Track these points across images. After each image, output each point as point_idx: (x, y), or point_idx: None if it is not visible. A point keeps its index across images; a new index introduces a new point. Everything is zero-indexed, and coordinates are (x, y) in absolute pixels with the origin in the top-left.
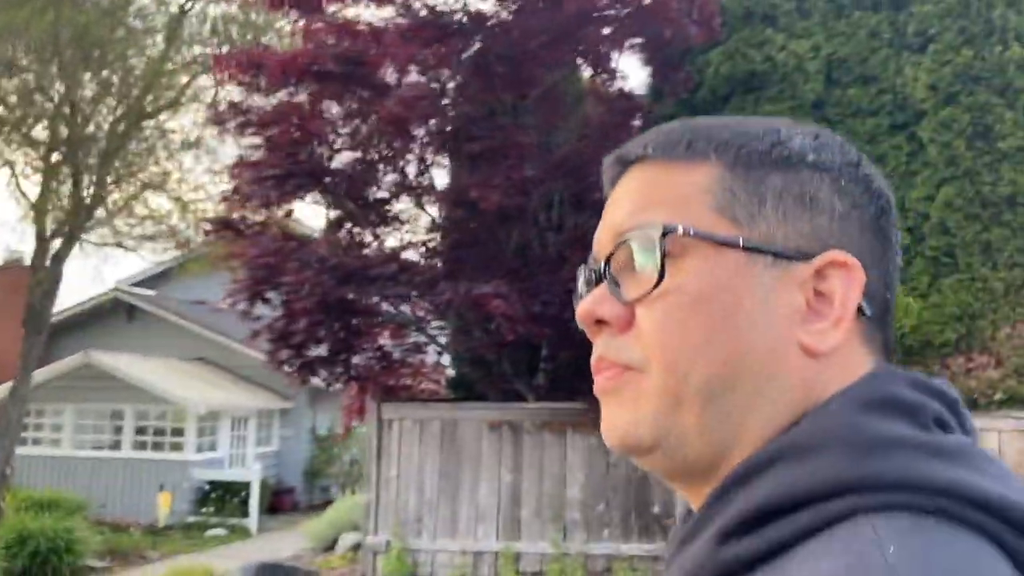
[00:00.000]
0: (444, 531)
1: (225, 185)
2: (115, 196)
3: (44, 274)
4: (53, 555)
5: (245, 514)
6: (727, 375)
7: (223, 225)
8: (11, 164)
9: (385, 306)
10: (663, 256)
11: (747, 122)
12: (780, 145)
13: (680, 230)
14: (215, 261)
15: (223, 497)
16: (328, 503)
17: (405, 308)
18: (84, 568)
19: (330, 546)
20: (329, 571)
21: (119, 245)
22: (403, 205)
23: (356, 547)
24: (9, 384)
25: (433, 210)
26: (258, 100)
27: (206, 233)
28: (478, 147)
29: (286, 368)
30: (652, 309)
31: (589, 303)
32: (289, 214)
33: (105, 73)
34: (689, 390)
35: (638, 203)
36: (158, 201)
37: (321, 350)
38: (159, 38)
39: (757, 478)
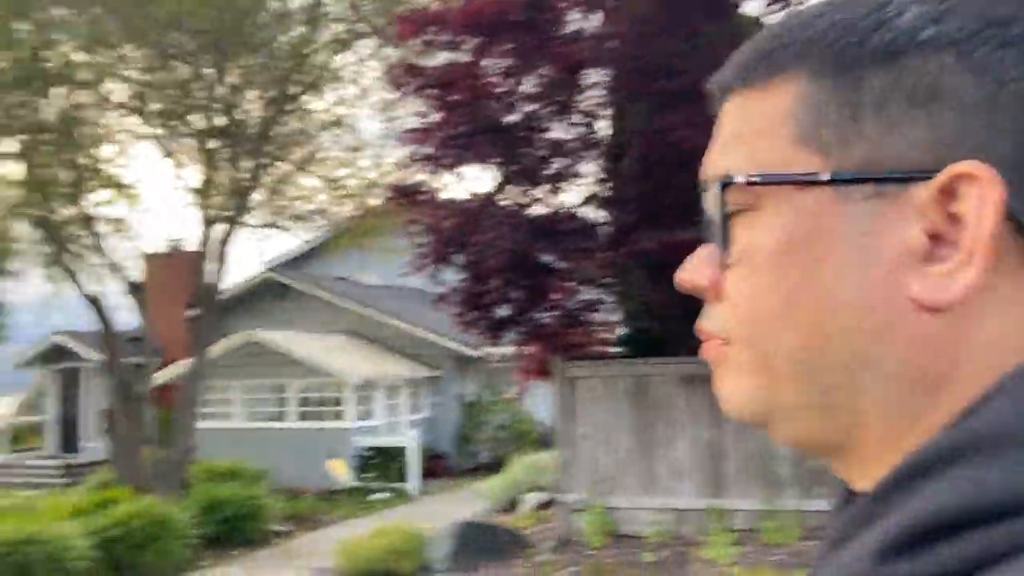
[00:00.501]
0: (641, 489)
1: (385, 157)
2: (269, 178)
3: (210, 257)
4: (241, 520)
5: (404, 479)
6: (817, 345)
7: (402, 192)
8: (173, 153)
9: (567, 263)
10: (727, 214)
11: (852, 3)
12: (883, 27)
13: (741, 178)
14: (371, 232)
15: (383, 463)
16: (479, 468)
17: (585, 263)
18: (269, 532)
19: (510, 507)
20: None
21: (274, 226)
22: (574, 159)
23: (541, 506)
24: (187, 363)
25: (602, 161)
26: (435, 60)
27: (387, 200)
28: (676, 84)
29: (475, 329)
30: (731, 275)
31: (684, 269)
32: (462, 177)
33: (255, 58)
34: (778, 365)
35: (716, 149)
36: (308, 181)
37: (506, 310)
38: (301, 19)
39: (926, 481)
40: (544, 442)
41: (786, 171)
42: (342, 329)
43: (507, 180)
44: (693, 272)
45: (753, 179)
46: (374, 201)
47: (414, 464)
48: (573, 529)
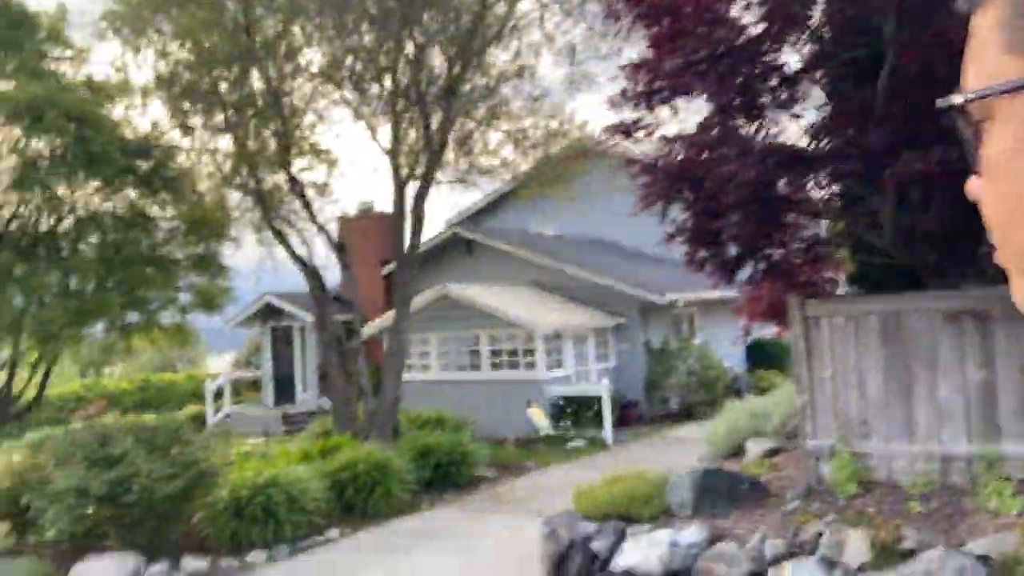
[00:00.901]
0: (898, 434)
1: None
2: (457, 134)
3: (405, 216)
4: (452, 466)
5: (598, 427)
6: None
7: (617, 130)
8: (366, 117)
9: (807, 194)
10: (971, 129)
11: None
12: None
13: (963, 97)
14: (555, 181)
15: (577, 411)
16: (669, 415)
17: (827, 193)
18: (476, 477)
19: (733, 453)
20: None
21: (462, 181)
22: (806, 83)
23: (769, 453)
24: (389, 317)
25: (841, 84)
26: None
27: (601, 141)
28: None
29: (707, 268)
30: (982, 185)
31: (971, 180)
32: (681, 110)
33: (439, 15)
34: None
35: (964, 66)
36: (494, 134)
37: (740, 247)
38: None
39: None
40: (736, 389)
41: (1000, 80)
42: (526, 281)
43: (735, 109)
44: (971, 184)
45: (970, 96)
46: (558, 149)
47: (608, 412)
48: (818, 477)
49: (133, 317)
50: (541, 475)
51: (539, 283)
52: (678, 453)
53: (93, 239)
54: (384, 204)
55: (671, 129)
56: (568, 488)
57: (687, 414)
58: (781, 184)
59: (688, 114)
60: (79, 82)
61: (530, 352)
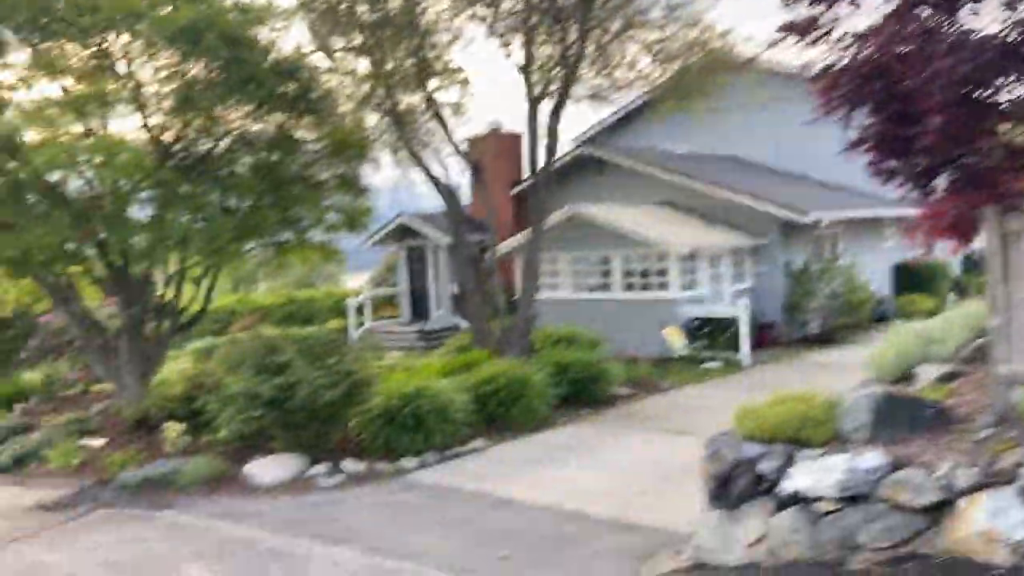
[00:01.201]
0: None
1: None
2: (592, 47)
3: (539, 134)
4: (588, 383)
5: (733, 348)
6: None
7: (792, 29)
8: (498, 32)
9: (1015, 96)
10: None
11: None
12: None
13: None
14: (692, 94)
15: (712, 332)
16: (807, 338)
17: None
18: (612, 395)
19: (900, 378)
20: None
21: (595, 97)
22: None
23: (945, 379)
24: (524, 236)
25: None
26: None
27: (738, 51)
28: None
29: (896, 178)
30: None
31: None
32: (858, 4)
33: None
34: None
35: None
36: (630, 47)
37: (931, 155)
38: None
39: None
40: (882, 314)
41: None
42: (659, 200)
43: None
44: None
45: None
46: (696, 60)
47: (745, 333)
48: (1009, 404)
49: (286, 235)
50: (676, 394)
51: (672, 203)
52: (823, 377)
53: (247, 160)
54: (512, 124)
55: (856, 24)
56: (705, 408)
57: (827, 338)
58: (990, 84)
59: (868, 11)
60: (228, 6)
61: (663, 272)
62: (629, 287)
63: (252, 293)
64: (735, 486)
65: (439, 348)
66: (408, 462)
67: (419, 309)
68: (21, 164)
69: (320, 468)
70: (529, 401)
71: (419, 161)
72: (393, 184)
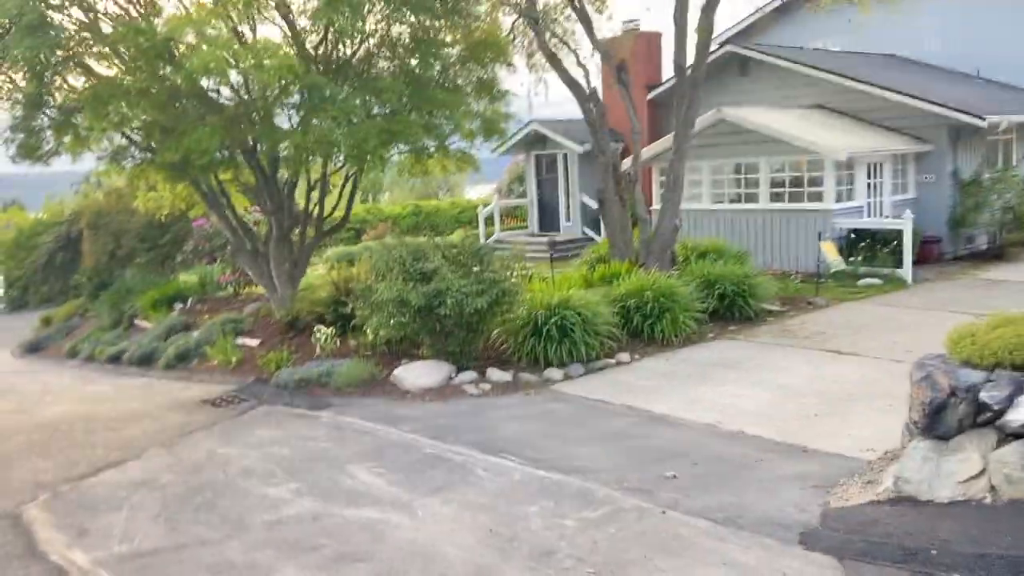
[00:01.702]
0: None
1: None
2: None
3: (696, 29)
4: (739, 298)
5: (895, 264)
6: None
7: None
8: None
9: None
10: None
11: None
12: None
13: None
14: None
15: (872, 246)
16: (976, 255)
17: None
18: (764, 311)
19: None
20: None
21: None
22: None
23: None
24: (660, 145)
25: None
26: None
27: None
28: None
29: None
30: None
31: None
32: None
33: None
34: None
35: None
36: None
37: None
38: None
39: None
40: None
41: None
42: (809, 103)
43: None
44: None
45: None
46: None
47: (909, 248)
48: None
49: (427, 141)
50: (834, 312)
51: (824, 105)
52: (1000, 298)
53: (387, 65)
54: (649, 23)
55: None
56: (867, 327)
57: (997, 255)
58: None
59: None
60: None
61: (817, 181)
62: (779, 197)
63: (379, 203)
64: (951, 415)
65: (570, 259)
66: (554, 373)
67: (548, 220)
68: (176, 69)
69: (466, 376)
70: (676, 315)
71: (556, 63)
72: (526, 91)
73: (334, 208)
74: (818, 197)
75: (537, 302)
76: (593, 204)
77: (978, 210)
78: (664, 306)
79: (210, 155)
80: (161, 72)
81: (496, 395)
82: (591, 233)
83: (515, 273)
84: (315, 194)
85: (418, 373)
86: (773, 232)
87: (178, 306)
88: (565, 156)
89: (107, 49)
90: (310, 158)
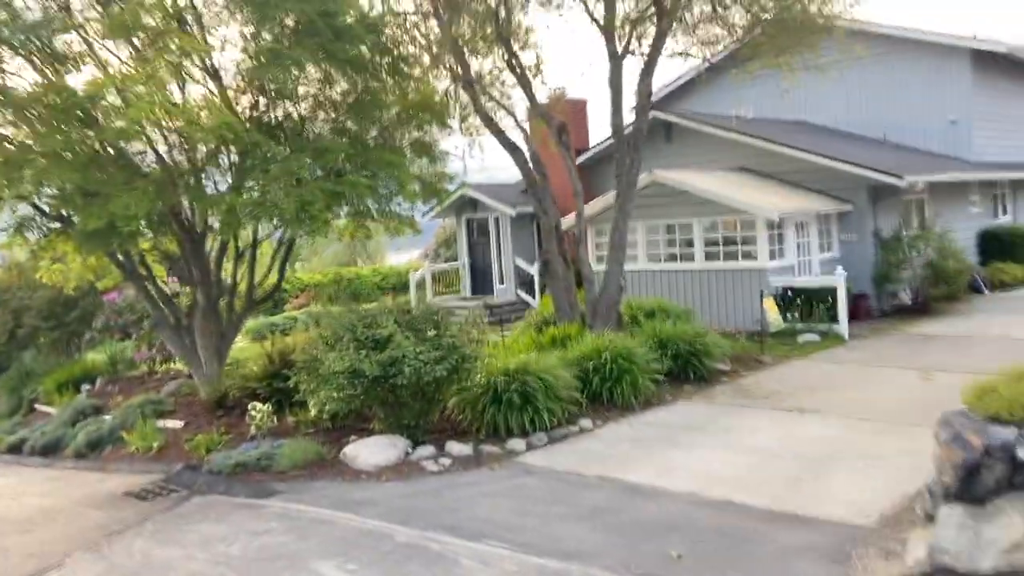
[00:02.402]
0: None
1: None
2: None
3: (635, 92)
4: (693, 357)
5: (828, 321)
6: None
7: None
8: None
9: None
10: None
11: None
12: None
13: None
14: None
15: (808, 304)
16: (902, 310)
17: None
18: (716, 370)
19: None
20: None
21: (684, 55)
22: None
23: None
24: (604, 204)
25: None
26: None
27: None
28: None
29: None
30: None
31: None
32: None
33: None
34: None
35: None
36: None
37: None
38: None
39: None
40: (971, 282)
41: None
42: (731, 167)
43: None
44: None
45: None
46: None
47: (844, 305)
48: None
49: (371, 203)
50: (784, 369)
51: (748, 168)
52: (939, 353)
53: (324, 126)
54: (576, 90)
55: None
56: (823, 385)
57: (921, 310)
58: None
59: None
60: None
61: (750, 240)
62: (712, 257)
63: (295, 271)
64: (987, 476)
65: (513, 322)
66: (516, 443)
67: (480, 283)
68: (100, 132)
69: (424, 451)
70: (635, 377)
71: (493, 126)
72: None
73: (265, 276)
74: (751, 256)
75: (496, 368)
76: (527, 267)
77: (900, 267)
78: (623, 368)
79: (138, 221)
80: (78, 135)
81: (458, 471)
82: (525, 296)
83: (473, 338)
84: (242, 262)
85: (371, 450)
86: (710, 290)
87: (86, 388)
88: (497, 219)
89: (13, 115)
90: (246, 223)
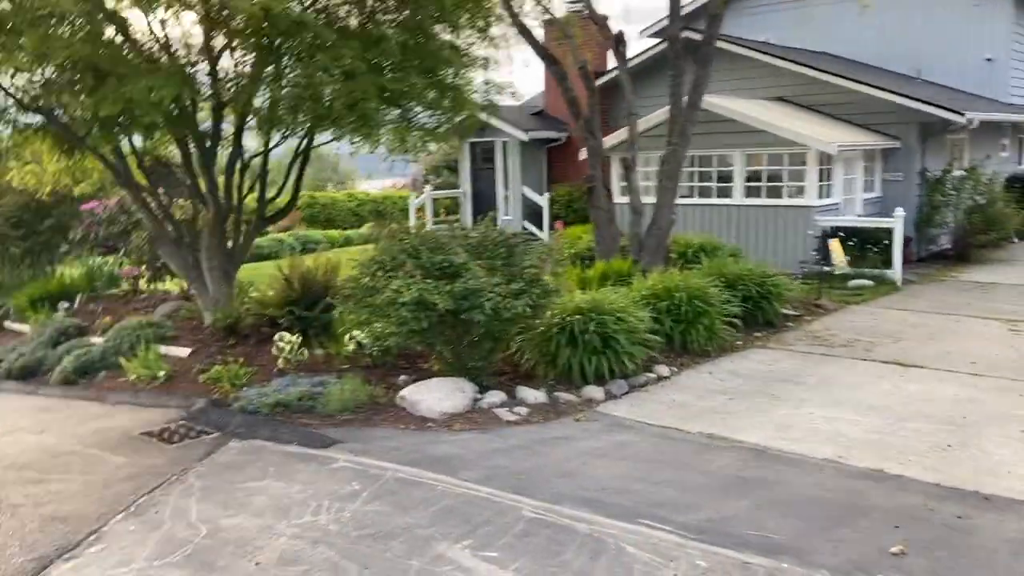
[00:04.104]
0: None
1: None
2: None
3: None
4: (764, 300)
5: (882, 264)
6: None
7: None
8: None
9: None
10: None
11: None
12: None
13: None
14: None
15: (861, 246)
16: (939, 256)
17: None
18: (781, 315)
19: None
20: None
21: None
22: None
23: None
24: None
25: None
26: None
27: None
28: None
29: None
30: None
31: None
32: None
33: None
34: None
35: None
36: None
37: None
38: None
39: None
40: (1020, 229)
41: None
42: (768, 96)
43: None
44: None
45: None
46: None
47: (899, 249)
48: None
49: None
50: (847, 315)
51: (785, 99)
52: (1006, 302)
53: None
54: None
55: None
56: (905, 334)
57: (962, 257)
58: None
59: None
60: None
61: (796, 176)
62: (752, 193)
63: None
64: None
65: None
66: (593, 391)
67: (483, 212)
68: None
69: (494, 397)
70: (712, 320)
71: (528, 34)
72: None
73: (279, 190)
74: (798, 192)
75: (567, 306)
76: (536, 197)
77: (945, 210)
78: (699, 310)
79: (162, 108)
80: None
81: (538, 421)
82: (532, 228)
83: (549, 269)
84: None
85: (436, 395)
86: (748, 228)
87: (64, 306)
88: (504, 144)
89: None
90: (287, 120)
